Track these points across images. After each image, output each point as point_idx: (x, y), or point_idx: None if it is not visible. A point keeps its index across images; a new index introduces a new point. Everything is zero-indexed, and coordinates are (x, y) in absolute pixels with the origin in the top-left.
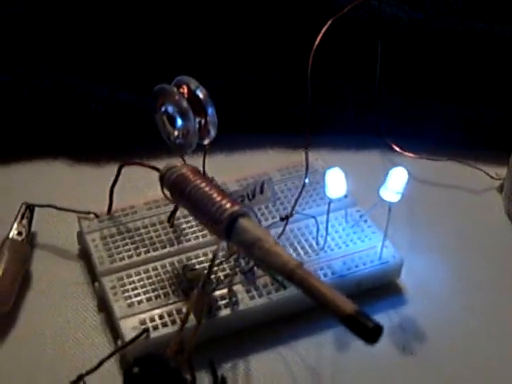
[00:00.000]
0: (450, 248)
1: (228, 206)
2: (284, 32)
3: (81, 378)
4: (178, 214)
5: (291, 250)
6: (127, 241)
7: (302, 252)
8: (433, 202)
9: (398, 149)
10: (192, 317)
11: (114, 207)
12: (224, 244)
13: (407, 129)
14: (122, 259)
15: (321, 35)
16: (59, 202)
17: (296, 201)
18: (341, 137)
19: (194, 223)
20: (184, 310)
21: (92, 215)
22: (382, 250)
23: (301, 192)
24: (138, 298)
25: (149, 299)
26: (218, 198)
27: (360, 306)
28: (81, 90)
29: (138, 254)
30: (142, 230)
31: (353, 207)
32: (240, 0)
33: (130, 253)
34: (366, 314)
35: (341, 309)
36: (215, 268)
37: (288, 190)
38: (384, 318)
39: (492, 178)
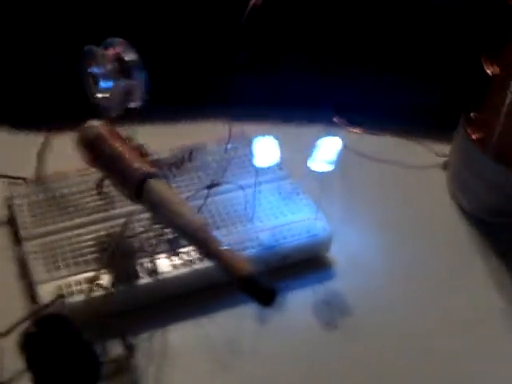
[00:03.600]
0: (387, 223)
1: (138, 166)
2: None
3: None
4: (107, 182)
5: (219, 222)
6: (53, 207)
7: (229, 223)
8: (374, 177)
9: (341, 123)
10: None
11: (45, 174)
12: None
13: (353, 104)
14: (45, 225)
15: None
16: None
17: (222, 167)
18: (288, 110)
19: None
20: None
21: (21, 181)
22: (312, 223)
23: (225, 159)
24: (58, 264)
25: (68, 265)
26: (130, 158)
27: (287, 279)
28: (14, 56)
29: (63, 221)
30: (70, 197)
31: (287, 179)
32: None
33: (54, 219)
34: (261, 276)
35: (237, 270)
36: (140, 235)
37: (224, 160)
38: (309, 291)
39: (436, 155)
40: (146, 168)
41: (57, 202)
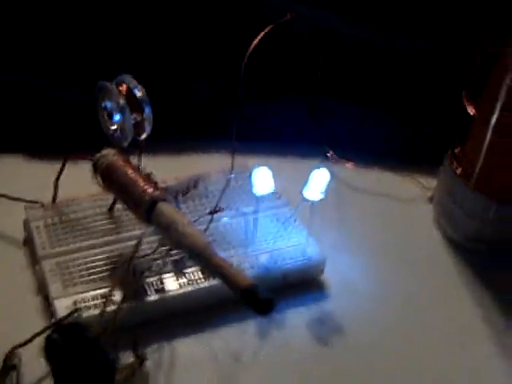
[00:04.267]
0: (377, 251)
1: (149, 190)
2: (232, 43)
3: (12, 350)
4: (118, 206)
5: (222, 244)
6: (68, 229)
7: (231, 246)
8: (365, 208)
9: (334, 158)
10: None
11: (60, 199)
12: (150, 231)
13: (346, 140)
14: (61, 245)
15: (255, 43)
16: (12, 193)
17: (221, 194)
18: (285, 145)
19: (132, 216)
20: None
21: (38, 204)
22: (306, 248)
23: (225, 187)
24: (74, 281)
25: (84, 283)
26: (142, 184)
27: (284, 299)
28: (33, 89)
29: (77, 242)
30: (83, 220)
31: (284, 207)
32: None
33: (69, 240)
34: (260, 288)
35: (238, 283)
36: (149, 256)
37: (226, 189)
38: (304, 311)
39: (423, 187)
40: (156, 192)
41: (71, 225)
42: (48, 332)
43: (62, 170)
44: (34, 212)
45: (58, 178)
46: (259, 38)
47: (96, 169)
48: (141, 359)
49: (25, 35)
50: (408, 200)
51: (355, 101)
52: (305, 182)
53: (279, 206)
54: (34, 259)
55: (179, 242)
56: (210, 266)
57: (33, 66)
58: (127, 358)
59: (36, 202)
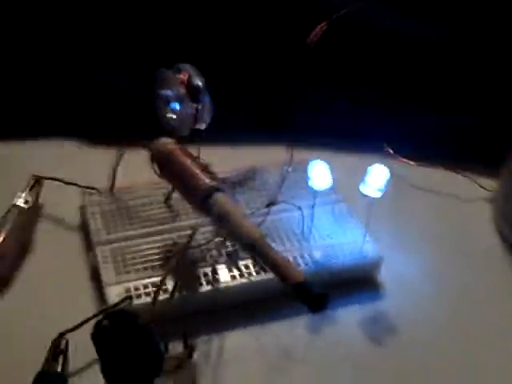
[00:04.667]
0: (434, 251)
1: (206, 181)
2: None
3: (61, 335)
4: (174, 195)
5: (277, 238)
6: (124, 216)
7: (286, 240)
8: (423, 206)
9: (392, 154)
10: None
11: (117, 185)
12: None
13: (404, 137)
14: (116, 232)
15: (318, 35)
16: (68, 178)
17: (279, 187)
18: (343, 140)
19: (187, 205)
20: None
21: (95, 191)
22: (362, 245)
23: (282, 179)
24: (127, 269)
25: (137, 270)
26: (199, 174)
27: (337, 296)
28: (92, 77)
29: (132, 229)
30: (139, 208)
31: (341, 203)
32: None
33: (124, 227)
34: (312, 284)
35: (292, 277)
36: (203, 246)
37: (283, 182)
38: (358, 309)
39: (482, 188)
40: (213, 183)
41: (127, 212)
42: (98, 318)
43: (119, 156)
44: (90, 198)
45: (116, 166)
46: (321, 28)
47: (154, 157)
48: (190, 350)
49: (87, 30)
50: (465, 199)
51: (414, 100)
52: (361, 178)
53: (334, 201)
54: (89, 245)
55: (233, 232)
56: (264, 258)
57: (92, 55)
58: (176, 348)
59: (92, 188)
